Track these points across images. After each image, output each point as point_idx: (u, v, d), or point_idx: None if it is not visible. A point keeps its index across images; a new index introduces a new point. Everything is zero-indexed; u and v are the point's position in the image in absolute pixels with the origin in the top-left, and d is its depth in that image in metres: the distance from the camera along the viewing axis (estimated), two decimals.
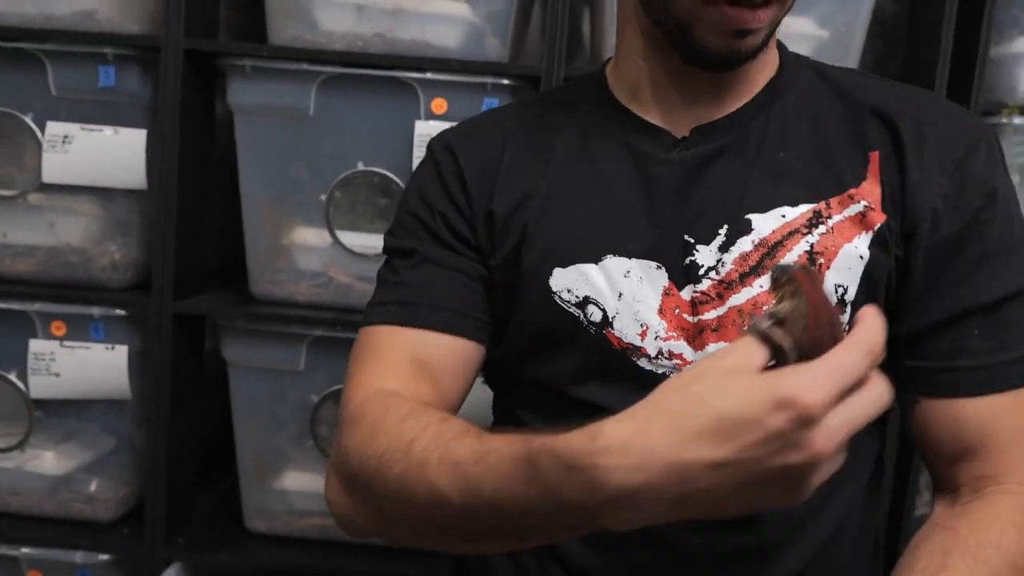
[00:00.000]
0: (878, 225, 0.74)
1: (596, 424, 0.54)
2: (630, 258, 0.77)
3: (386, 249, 0.87)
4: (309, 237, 1.29)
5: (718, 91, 0.79)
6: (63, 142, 1.26)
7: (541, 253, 0.79)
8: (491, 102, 1.22)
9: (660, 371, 0.76)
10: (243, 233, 1.31)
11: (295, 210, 1.29)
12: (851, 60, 1.24)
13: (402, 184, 1.25)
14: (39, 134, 1.27)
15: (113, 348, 1.30)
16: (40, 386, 1.30)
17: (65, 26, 1.26)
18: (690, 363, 0.75)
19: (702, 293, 0.75)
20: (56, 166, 1.27)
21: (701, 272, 0.76)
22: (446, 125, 0.98)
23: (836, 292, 0.74)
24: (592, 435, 0.53)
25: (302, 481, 1.34)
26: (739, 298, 0.75)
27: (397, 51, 1.24)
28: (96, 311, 1.30)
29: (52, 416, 1.34)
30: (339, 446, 0.75)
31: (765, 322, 0.53)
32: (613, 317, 0.76)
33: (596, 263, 0.77)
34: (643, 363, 0.76)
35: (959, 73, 1.21)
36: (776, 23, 0.75)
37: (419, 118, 1.23)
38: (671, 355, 0.76)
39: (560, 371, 0.79)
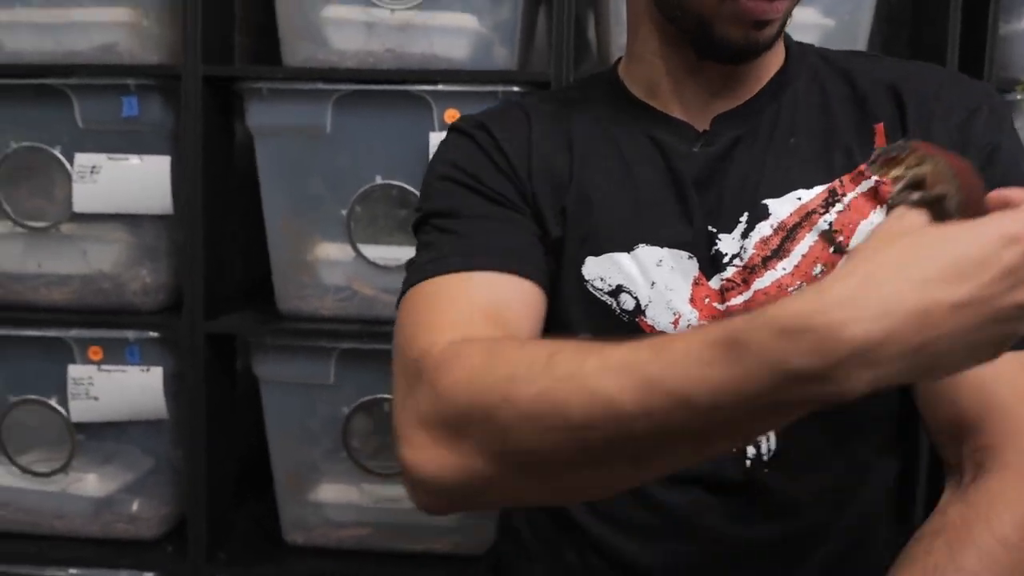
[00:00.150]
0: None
1: (809, 287, 0.53)
2: (662, 247, 0.78)
3: (424, 215, 0.82)
4: (332, 252, 1.31)
5: (732, 83, 0.81)
6: (91, 172, 1.30)
7: (578, 242, 0.80)
8: None
9: None
10: (268, 251, 1.33)
11: (317, 226, 1.31)
12: (858, 48, 1.23)
13: None
14: (68, 166, 1.31)
15: (149, 370, 1.32)
16: (80, 410, 1.33)
17: (88, 60, 1.30)
18: None
19: (728, 280, 0.77)
20: (86, 196, 1.30)
21: (725, 260, 0.77)
22: None
23: None
24: (817, 292, 0.50)
25: (337, 493, 1.35)
26: (763, 281, 0.77)
27: (408, 65, 1.26)
28: (131, 334, 1.32)
29: (92, 439, 1.37)
30: (428, 394, 0.64)
31: (909, 193, 0.53)
32: (646, 305, 0.78)
33: (628, 252, 0.79)
34: None
35: (969, 52, 1.21)
36: (789, 13, 0.77)
37: (433, 130, 1.24)
38: None
39: None
